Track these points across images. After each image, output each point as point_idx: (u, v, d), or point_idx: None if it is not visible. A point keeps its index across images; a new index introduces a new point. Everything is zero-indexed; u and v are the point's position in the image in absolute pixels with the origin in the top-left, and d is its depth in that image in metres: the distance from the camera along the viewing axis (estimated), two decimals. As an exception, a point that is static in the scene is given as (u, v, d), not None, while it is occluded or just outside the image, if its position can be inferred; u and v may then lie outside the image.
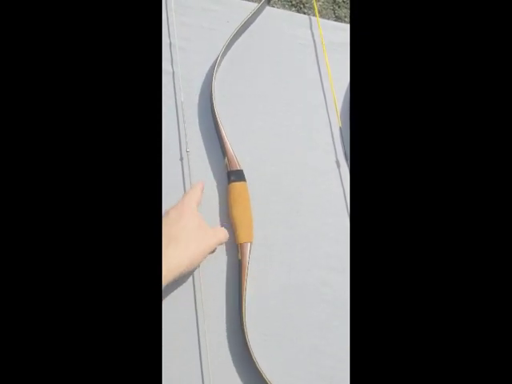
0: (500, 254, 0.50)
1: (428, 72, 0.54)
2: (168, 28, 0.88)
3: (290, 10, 1.48)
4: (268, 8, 0.92)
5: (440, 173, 0.52)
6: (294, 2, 1.42)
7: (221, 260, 0.77)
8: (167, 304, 0.73)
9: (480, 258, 0.50)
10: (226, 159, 0.78)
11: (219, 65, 0.85)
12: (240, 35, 0.89)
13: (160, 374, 0.54)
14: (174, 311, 0.73)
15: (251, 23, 0.91)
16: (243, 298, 0.72)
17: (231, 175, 0.77)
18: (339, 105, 0.86)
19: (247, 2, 0.92)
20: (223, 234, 0.73)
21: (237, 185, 0.77)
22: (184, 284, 0.75)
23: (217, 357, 0.71)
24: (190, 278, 0.75)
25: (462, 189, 0.52)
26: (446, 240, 0.51)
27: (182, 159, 0.81)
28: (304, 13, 1.44)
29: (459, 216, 0.51)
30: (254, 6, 0.89)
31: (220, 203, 0.80)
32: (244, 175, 0.78)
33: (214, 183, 0.81)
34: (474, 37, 0.53)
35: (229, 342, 0.73)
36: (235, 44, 0.89)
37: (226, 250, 0.77)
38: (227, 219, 0.78)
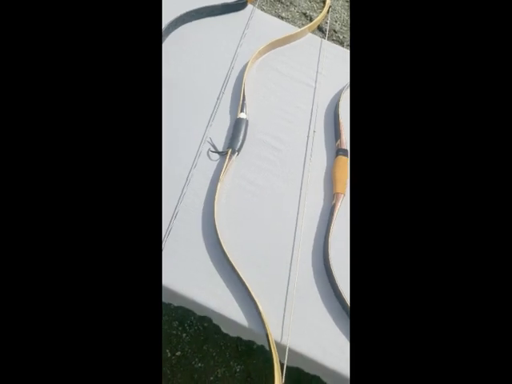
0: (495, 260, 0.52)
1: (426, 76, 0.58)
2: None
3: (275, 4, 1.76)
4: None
5: (438, 174, 0.56)
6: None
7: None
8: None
9: (478, 260, 0.52)
10: (339, 141, 1.15)
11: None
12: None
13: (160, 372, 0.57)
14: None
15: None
16: (331, 231, 1.02)
17: (340, 151, 1.13)
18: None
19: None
20: None
21: (342, 157, 1.12)
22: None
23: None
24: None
25: (459, 189, 0.54)
26: (445, 240, 0.54)
27: (308, 136, 1.19)
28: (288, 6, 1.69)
29: (455, 213, 0.54)
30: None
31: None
32: (348, 152, 1.13)
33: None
34: (469, 42, 0.57)
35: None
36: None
37: (325, 196, 1.10)
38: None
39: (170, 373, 1.58)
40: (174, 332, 1.68)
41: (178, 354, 1.67)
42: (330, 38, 1.44)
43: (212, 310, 0.91)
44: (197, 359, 1.65)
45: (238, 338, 1.75)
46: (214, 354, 1.67)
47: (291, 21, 1.63)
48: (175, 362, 1.67)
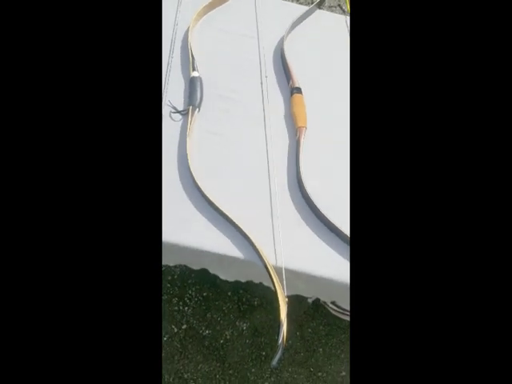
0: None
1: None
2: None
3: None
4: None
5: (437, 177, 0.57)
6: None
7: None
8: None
9: (475, 264, 0.54)
10: (291, 81, 1.21)
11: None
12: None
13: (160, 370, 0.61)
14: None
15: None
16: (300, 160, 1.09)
17: (294, 90, 1.20)
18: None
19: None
20: None
21: (297, 95, 1.19)
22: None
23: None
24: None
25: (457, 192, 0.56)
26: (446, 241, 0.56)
27: (261, 83, 1.24)
28: None
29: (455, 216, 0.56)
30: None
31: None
32: (301, 90, 1.19)
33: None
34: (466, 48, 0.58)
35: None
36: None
37: (288, 133, 1.16)
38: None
39: (180, 346, 1.63)
40: (176, 308, 1.72)
41: (184, 327, 1.71)
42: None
43: (208, 251, 0.96)
44: (203, 327, 1.70)
45: (239, 299, 1.81)
46: (219, 318, 1.73)
47: None
48: (183, 335, 1.72)
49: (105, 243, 0.55)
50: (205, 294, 1.76)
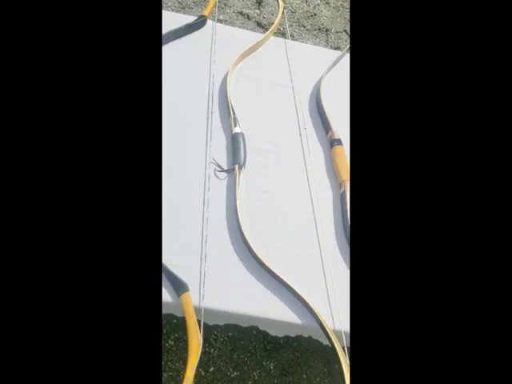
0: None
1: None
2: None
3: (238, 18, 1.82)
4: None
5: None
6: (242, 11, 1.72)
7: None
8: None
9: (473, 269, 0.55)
10: (330, 132, 1.22)
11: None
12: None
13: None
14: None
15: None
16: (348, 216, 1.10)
17: (334, 142, 1.20)
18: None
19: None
20: None
21: (338, 147, 1.20)
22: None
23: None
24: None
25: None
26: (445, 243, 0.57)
27: (300, 134, 1.25)
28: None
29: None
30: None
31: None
32: (341, 141, 1.21)
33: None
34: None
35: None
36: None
37: (331, 186, 1.17)
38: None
39: (208, 389, 1.60)
40: (202, 350, 1.70)
41: (212, 369, 1.69)
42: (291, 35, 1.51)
43: (265, 318, 0.96)
44: (231, 369, 1.68)
45: (264, 338, 1.79)
46: (246, 359, 1.71)
47: (229, 22, 1.67)
48: (211, 379, 1.70)
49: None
50: (230, 334, 1.74)
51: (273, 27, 1.41)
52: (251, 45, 1.34)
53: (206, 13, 1.39)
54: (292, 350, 1.72)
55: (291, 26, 1.69)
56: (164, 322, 1.49)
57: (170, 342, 1.53)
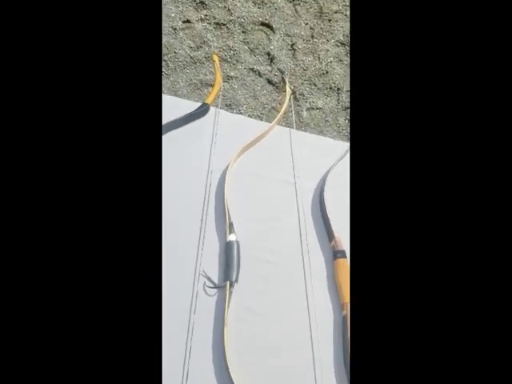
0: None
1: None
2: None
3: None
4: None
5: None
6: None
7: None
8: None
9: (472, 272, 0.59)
10: (333, 241, 1.12)
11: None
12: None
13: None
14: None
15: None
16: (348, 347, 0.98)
17: (338, 254, 1.10)
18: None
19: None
20: None
21: (341, 260, 1.09)
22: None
23: None
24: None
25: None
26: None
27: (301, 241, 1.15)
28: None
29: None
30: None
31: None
32: (345, 253, 1.10)
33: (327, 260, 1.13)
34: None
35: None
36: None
37: (333, 308, 1.05)
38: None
39: None
40: None
41: None
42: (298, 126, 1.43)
43: None
44: None
45: None
46: None
47: (241, 79, 1.61)
48: None
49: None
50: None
51: (278, 116, 1.34)
52: (254, 138, 1.27)
53: (208, 101, 1.34)
54: None
55: (302, 84, 1.62)
56: None
57: None
